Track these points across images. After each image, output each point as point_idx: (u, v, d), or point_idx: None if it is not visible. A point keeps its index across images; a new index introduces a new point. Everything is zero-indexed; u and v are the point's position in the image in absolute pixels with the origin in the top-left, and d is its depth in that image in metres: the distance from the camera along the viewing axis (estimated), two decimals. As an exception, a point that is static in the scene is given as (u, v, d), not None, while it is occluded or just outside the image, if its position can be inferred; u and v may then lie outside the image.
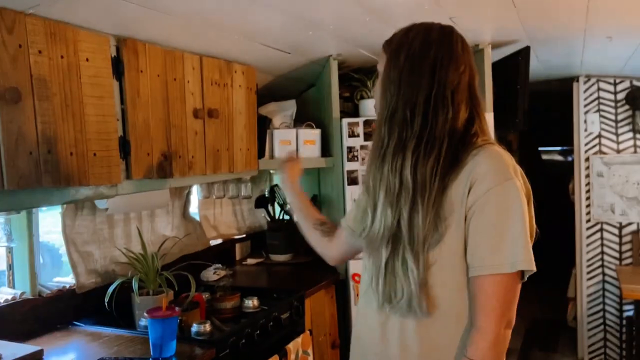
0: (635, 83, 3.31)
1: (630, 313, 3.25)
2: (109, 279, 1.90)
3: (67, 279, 1.90)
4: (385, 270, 1.05)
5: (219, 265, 2.37)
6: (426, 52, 1.05)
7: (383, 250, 1.06)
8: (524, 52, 2.42)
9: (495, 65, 2.48)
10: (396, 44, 1.09)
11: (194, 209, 2.58)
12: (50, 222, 1.93)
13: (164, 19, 1.53)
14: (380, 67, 1.13)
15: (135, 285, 1.71)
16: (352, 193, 2.42)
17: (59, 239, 1.86)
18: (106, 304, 1.70)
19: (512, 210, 0.99)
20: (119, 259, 1.97)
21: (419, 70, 1.05)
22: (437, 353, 1.05)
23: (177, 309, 1.55)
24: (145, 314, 1.56)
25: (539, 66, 2.93)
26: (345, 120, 2.45)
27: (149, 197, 1.95)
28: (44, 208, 1.83)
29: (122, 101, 1.54)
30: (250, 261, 2.73)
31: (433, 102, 1.03)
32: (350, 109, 2.71)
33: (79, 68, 1.38)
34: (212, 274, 2.30)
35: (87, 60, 1.40)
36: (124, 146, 1.55)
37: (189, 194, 2.46)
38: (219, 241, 2.71)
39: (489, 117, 2.38)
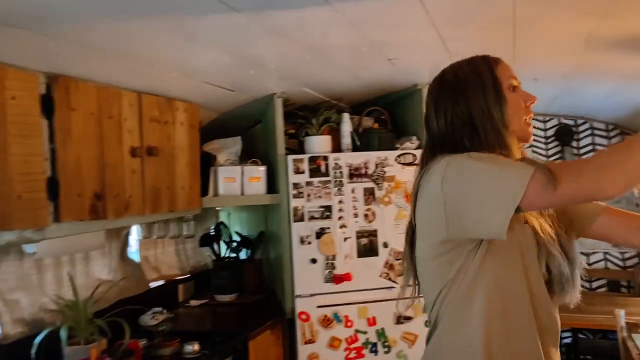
0: (563, 121, 3.55)
1: (569, 340, 3.37)
2: (37, 328, 1.77)
3: (-12, 330, 1.75)
4: None
5: (158, 309, 2.26)
6: None
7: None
8: (460, 92, 2.55)
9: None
10: None
11: (134, 249, 2.48)
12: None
13: (97, 57, 1.50)
14: None
15: (63, 334, 1.60)
16: (298, 230, 2.40)
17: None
18: (32, 355, 1.57)
19: (467, 175, 0.94)
20: (48, 306, 1.84)
21: None
22: None
23: (108, 359, 1.46)
24: (73, 366, 1.46)
25: (475, 105, 3.08)
26: (291, 157, 2.46)
27: (82, 240, 1.86)
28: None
29: (52, 140, 1.48)
30: (194, 302, 2.63)
31: None
32: (296, 146, 2.72)
33: (4, 107, 1.32)
34: (150, 318, 2.19)
35: (13, 98, 1.34)
36: (53, 187, 1.47)
37: (127, 234, 2.36)
38: (161, 282, 2.60)
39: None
